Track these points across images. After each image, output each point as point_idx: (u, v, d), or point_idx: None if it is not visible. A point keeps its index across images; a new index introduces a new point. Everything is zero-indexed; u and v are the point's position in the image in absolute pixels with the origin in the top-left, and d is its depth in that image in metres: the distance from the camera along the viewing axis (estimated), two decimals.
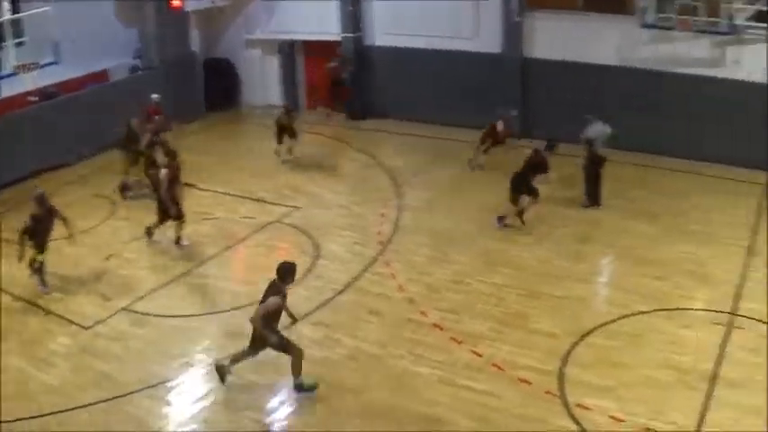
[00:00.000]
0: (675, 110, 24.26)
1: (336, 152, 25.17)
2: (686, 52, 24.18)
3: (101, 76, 27.15)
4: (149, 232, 19.51)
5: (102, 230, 20.74)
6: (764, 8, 22.70)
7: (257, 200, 22.25)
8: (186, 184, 19.75)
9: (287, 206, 21.78)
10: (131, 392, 14.01)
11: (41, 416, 13.49)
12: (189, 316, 16.59)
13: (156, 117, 23.40)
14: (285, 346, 13.52)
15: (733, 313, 16.33)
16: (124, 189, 22.65)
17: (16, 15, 24.25)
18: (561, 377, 14.32)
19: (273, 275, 13.28)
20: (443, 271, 18.35)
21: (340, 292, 17.39)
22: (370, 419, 13.28)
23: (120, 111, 23.74)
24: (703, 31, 23.67)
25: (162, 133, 22.62)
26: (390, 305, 16.88)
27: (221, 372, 13.98)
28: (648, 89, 24.64)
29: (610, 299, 17.34)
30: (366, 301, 17.04)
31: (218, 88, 30.22)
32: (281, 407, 13.75)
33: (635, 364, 14.68)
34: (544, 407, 13.56)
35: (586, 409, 13.41)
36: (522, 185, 19.87)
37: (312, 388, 13.76)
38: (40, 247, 17.38)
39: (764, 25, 22.96)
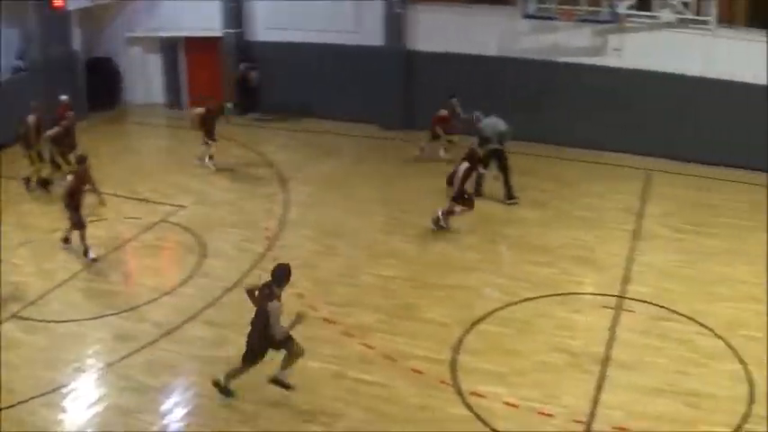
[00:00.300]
0: (560, 99, 24.50)
1: (221, 149, 24.62)
2: (568, 42, 24.43)
3: None
4: (66, 239, 18.69)
5: None
6: None
7: (142, 200, 21.59)
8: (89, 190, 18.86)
9: (173, 205, 21.18)
10: (26, 400, 13.32)
11: None
12: (79, 320, 15.85)
13: (66, 117, 22.61)
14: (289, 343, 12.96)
15: (621, 296, 16.51)
16: (42, 184, 22.06)
17: None
18: (454, 366, 14.22)
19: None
20: (331, 265, 18.11)
21: (229, 290, 16.89)
22: (265, 417, 12.95)
23: (4, 111, 23.19)
24: (585, 21, 23.89)
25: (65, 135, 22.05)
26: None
27: (223, 391, 13.36)
28: (532, 79, 24.83)
29: (499, 286, 17.23)
30: None
31: (100, 88, 29.34)
32: (175, 408, 13.29)
33: (527, 350, 14.68)
34: (438, 396, 13.44)
35: (480, 396, 13.33)
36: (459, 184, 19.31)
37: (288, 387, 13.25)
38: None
39: (645, 13, 23.31)
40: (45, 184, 22.12)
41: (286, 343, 12.73)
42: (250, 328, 12.75)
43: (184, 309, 15.37)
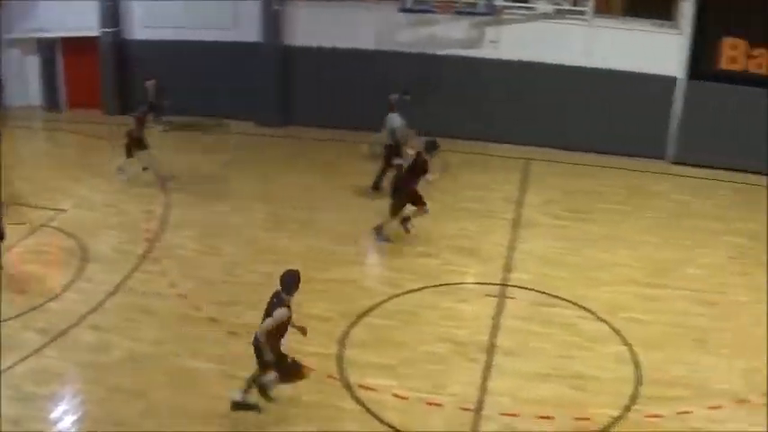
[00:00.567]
0: (439, 91, 24.49)
1: (98, 151, 23.95)
2: (446, 34, 24.47)
3: None
4: None
5: None
6: None
7: (21, 204, 20.81)
8: None
9: (52, 209, 20.46)
10: None
11: None
12: None
13: None
14: (280, 366, 12.34)
15: (504, 284, 16.60)
16: None
17: None
18: (341, 360, 14.09)
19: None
20: (214, 264, 17.74)
21: (111, 294, 16.37)
22: (155, 420, 12.54)
23: None
24: (462, 13, 23.98)
25: None
26: (164, 303, 16.10)
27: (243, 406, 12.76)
28: (411, 72, 24.72)
29: (383, 279, 17.24)
30: (139, 301, 16.14)
31: None
32: (65, 416, 12.75)
33: (413, 341, 14.59)
34: (327, 391, 13.28)
35: (369, 389, 13.23)
36: (404, 191, 18.58)
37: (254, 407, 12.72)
38: None
39: (522, 5, 23.54)
40: None
41: (277, 366, 12.26)
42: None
43: (69, 314, 14.82)
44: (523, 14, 23.92)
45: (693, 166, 23.46)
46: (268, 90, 26.28)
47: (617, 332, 14.87)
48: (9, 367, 13.70)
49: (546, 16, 23.76)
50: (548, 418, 12.63)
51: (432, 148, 18.18)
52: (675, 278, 17.32)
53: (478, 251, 18.15)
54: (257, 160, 23.49)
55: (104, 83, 28.34)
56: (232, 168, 23.42)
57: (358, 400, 13.02)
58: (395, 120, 20.91)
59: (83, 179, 22.56)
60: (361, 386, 13.32)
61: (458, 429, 12.44)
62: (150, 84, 26.25)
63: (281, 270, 16.88)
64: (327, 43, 25.59)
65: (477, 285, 16.57)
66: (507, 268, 17.29)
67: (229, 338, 14.75)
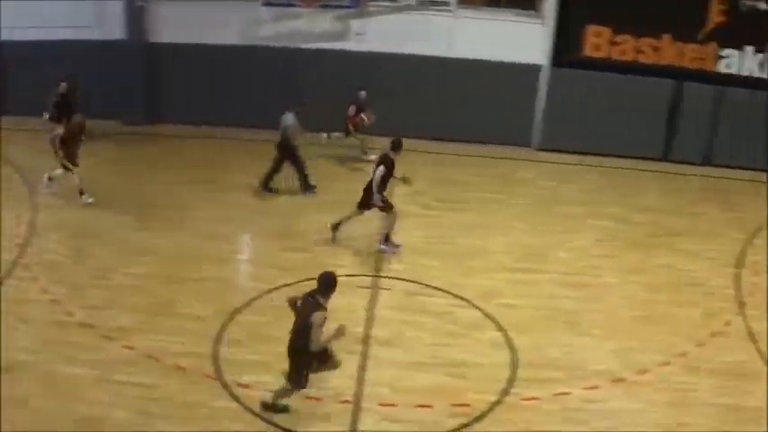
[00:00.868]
0: (303, 85, 24.21)
1: None
2: (310, 27, 24.31)
3: None
4: None
5: None
6: None
7: None
8: None
9: None
10: None
11: None
12: None
13: None
14: (321, 356, 12.11)
15: (377, 275, 16.67)
16: None
17: None
18: (217, 358, 13.92)
19: None
20: (85, 267, 17.20)
21: None
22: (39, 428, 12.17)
23: None
24: (326, 6, 23.90)
25: None
26: (36, 309, 15.55)
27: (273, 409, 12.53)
28: (276, 67, 24.48)
29: (254, 275, 17.22)
30: (10, 309, 15.44)
31: None
32: None
33: (288, 337, 14.30)
34: (204, 390, 13.13)
35: (246, 386, 13.13)
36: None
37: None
38: None
39: None
40: None
41: (320, 356, 12.03)
42: (289, 341, 12.10)
43: None
44: (387, 6, 23.96)
45: (560, 152, 23.90)
46: (133, 88, 25.63)
47: (491, 318, 15.03)
48: None
49: (410, 8, 23.85)
50: (427, 406, 12.71)
51: (397, 146, 17.90)
52: (546, 262, 17.67)
53: (349, 243, 18.10)
54: (125, 160, 22.86)
55: None
56: (98, 169, 22.63)
57: (235, 398, 12.90)
58: (288, 119, 20.67)
59: None
60: (238, 384, 13.18)
61: (337, 422, 12.42)
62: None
63: (154, 271, 16.84)
64: (193, 40, 25.12)
65: (349, 277, 16.29)
66: (379, 259, 17.31)
67: (103, 342, 14.42)
